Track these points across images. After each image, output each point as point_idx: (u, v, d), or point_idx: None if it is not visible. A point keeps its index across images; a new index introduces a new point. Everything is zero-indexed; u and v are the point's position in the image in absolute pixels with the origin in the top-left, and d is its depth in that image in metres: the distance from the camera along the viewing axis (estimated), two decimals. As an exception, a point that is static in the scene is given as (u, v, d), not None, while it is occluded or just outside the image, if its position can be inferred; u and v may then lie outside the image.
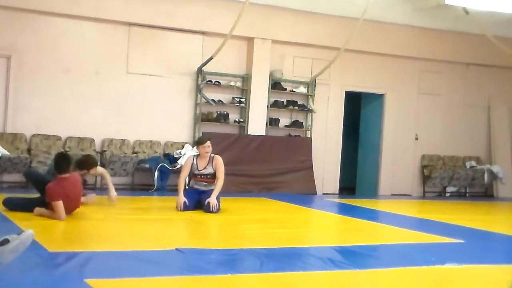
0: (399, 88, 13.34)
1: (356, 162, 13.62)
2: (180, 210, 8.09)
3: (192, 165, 8.39)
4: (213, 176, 8.36)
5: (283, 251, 5.86)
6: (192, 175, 8.50)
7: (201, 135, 11.19)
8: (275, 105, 12.18)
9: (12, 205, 7.25)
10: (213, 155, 8.40)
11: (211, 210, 8.04)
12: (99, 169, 8.42)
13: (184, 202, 8.11)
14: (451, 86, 13.87)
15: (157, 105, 11.35)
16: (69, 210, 6.97)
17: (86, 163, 7.95)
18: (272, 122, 12.14)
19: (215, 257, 5.31)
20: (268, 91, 12.03)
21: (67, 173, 6.98)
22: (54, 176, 7.13)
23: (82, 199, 7.53)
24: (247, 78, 11.93)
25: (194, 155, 8.57)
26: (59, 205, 6.75)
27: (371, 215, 9.53)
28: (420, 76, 13.59)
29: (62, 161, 7.04)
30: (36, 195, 7.40)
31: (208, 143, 8.35)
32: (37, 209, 7.00)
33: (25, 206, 7.17)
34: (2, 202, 7.34)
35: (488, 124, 14.23)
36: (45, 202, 6.95)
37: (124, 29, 11.12)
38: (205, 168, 8.35)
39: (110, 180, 8.39)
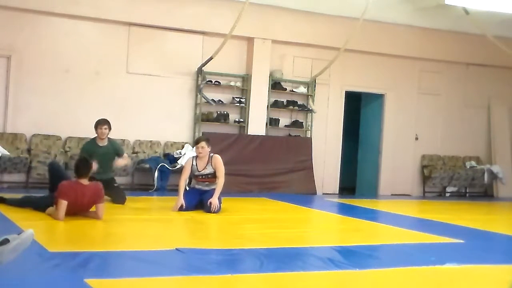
0: (399, 88, 13.34)
1: (356, 162, 13.62)
2: (175, 211, 8.09)
3: (192, 166, 8.39)
4: (213, 176, 8.36)
5: (283, 251, 5.86)
6: (193, 176, 8.51)
7: (201, 135, 11.20)
8: (275, 105, 12.18)
9: (23, 204, 7.42)
10: (212, 154, 8.40)
11: (212, 210, 8.04)
12: (125, 157, 9.02)
13: (181, 206, 8.10)
14: (451, 86, 13.87)
15: (157, 105, 11.35)
16: (71, 213, 6.94)
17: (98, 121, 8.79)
18: (272, 122, 12.14)
19: (215, 257, 5.32)
20: (268, 91, 12.04)
21: (84, 178, 6.94)
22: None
23: (92, 213, 7.21)
24: (247, 78, 11.93)
25: (193, 156, 8.58)
26: (64, 204, 6.75)
27: (371, 215, 9.53)
28: (420, 76, 13.59)
29: (80, 165, 7.04)
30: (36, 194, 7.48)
31: (202, 143, 8.29)
32: (50, 209, 7.06)
33: (39, 204, 7.27)
34: (19, 202, 7.50)
35: (488, 124, 14.23)
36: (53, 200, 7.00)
37: (124, 29, 11.12)
38: (204, 168, 8.35)
39: (125, 160, 8.97)
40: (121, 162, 8.88)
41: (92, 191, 7.00)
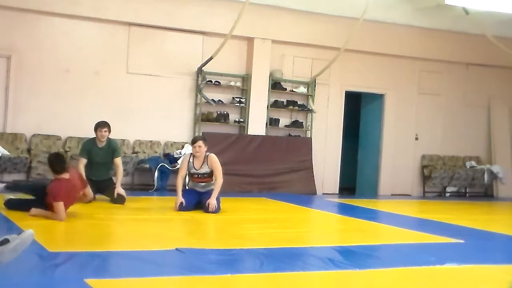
0: (399, 88, 13.34)
1: (356, 162, 13.62)
2: (177, 210, 8.09)
3: (188, 163, 8.36)
4: (209, 175, 8.34)
5: (283, 251, 5.86)
6: (189, 174, 8.49)
7: (201, 135, 11.21)
8: (275, 105, 12.18)
9: (12, 205, 7.30)
10: (207, 153, 8.35)
11: (210, 210, 8.04)
12: (118, 160, 8.82)
13: (181, 203, 8.11)
14: (451, 86, 13.87)
15: (157, 105, 11.35)
16: (67, 209, 6.93)
17: (98, 124, 8.75)
18: (272, 122, 12.14)
19: (215, 257, 5.32)
20: (268, 91, 12.04)
21: (65, 173, 6.94)
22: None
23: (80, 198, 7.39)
24: (247, 78, 11.93)
25: (190, 153, 8.50)
26: (61, 206, 6.75)
27: (371, 215, 9.53)
28: (420, 76, 13.59)
29: (57, 162, 7.00)
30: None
31: (199, 143, 8.26)
32: (34, 210, 6.95)
33: (23, 206, 7.18)
34: (4, 203, 7.39)
35: (488, 124, 14.23)
36: (42, 203, 6.94)
37: (124, 29, 11.12)
38: (200, 167, 8.31)
39: (121, 176, 8.79)
40: (120, 190, 8.63)
41: (77, 180, 7.09)
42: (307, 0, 11.64)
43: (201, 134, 11.18)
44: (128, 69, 11.17)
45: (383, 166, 13.25)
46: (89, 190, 7.43)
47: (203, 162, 8.31)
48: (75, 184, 7.06)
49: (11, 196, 7.63)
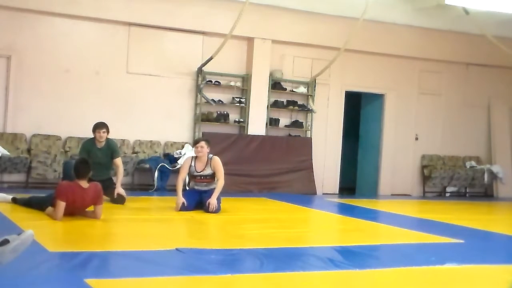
0: (399, 88, 13.34)
1: (356, 162, 13.62)
2: (177, 210, 8.09)
3: (190, 166, 8.36)
4: (212, 177, 8.34)
5: (283, 251, 5.86)
6: (190, 176, 8.49)
7: (201, 135, 11.22)
8: (275, 105, 12.18)
9: (29, 204, 7.50)
10: (211, 156, 8.36)
11: (210, 210, 8.04)
12: (118, 160, 8.81)
13: (183, 203, 8.11)
14: (451, 86, 13.87)
15: (157, 105, 11.35)
16: (69, 213, 6.93)
17: (96, 125, 8.74)
18: (272, 122, 12.14)
19: (215, 257, 5.32)
20: (268, 91, 12.04)
21: (83, 180, 6.89)
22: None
23: (89, 213, 7.20)
24: (247, 78, 11.93)
25: (192, 157, 8.51)
26: (61, 205, 6.75)
27: (371, 215, 9.52)
28: (420, 76, 13.59)
29: (77, 166, 6.98)
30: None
31: (202, 143, 8.27)
32: (49, 208, 7.06)
33: (42, 205, 7.28)
34: (26, 202, 7.59)
35: (488, 124, 14.23)
36: (51, 203, 7.03)
37: (124, 29, 11.12)
38: (203, 170, 8.32)
39: (121, 176, 8.79)
40: (120, 190, 8.59)
41: (92, 193, 6.97)
42: (307, 0, 11.64)
43: (201, 134, 11.19)
44: (128, 69, 11.17)
45: (383, 166, 13.25)
46: (99, 210, 7.23)
47: (206, 164, 8.31)
48: (85, 194, 6.90)
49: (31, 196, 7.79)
